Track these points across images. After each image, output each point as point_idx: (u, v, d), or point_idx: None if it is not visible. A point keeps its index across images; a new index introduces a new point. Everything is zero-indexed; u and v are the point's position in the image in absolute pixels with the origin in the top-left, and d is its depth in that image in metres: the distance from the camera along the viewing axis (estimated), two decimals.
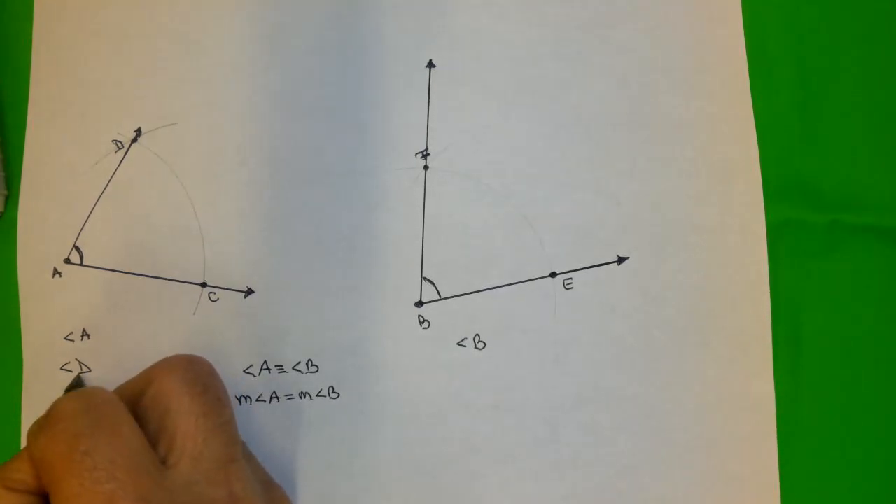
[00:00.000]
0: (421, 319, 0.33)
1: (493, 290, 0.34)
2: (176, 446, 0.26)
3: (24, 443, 0.33)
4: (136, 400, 0.28)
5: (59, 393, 0.33)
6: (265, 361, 0.33)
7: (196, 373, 0.28)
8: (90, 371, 0.33)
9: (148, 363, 0.33)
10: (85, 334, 0.33)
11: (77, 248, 0.34)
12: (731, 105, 0.35)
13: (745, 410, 0.33)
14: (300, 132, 0.34)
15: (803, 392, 0.33)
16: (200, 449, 0.26)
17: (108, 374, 0.33)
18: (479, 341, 0.33)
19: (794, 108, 0.35)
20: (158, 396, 0.27)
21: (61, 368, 0.33)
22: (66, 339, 0.33)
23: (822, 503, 0.33)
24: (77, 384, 0.32)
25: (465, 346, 0.33)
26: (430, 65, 0.35)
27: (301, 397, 0.33)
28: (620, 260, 0.34)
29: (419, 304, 0.34)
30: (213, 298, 0.33)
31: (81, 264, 0.34)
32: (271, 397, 0.33)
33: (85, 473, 0.24)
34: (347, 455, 0.33)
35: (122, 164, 0.34)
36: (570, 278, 0.34)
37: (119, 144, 0.34)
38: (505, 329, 0.33)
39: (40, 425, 0.26)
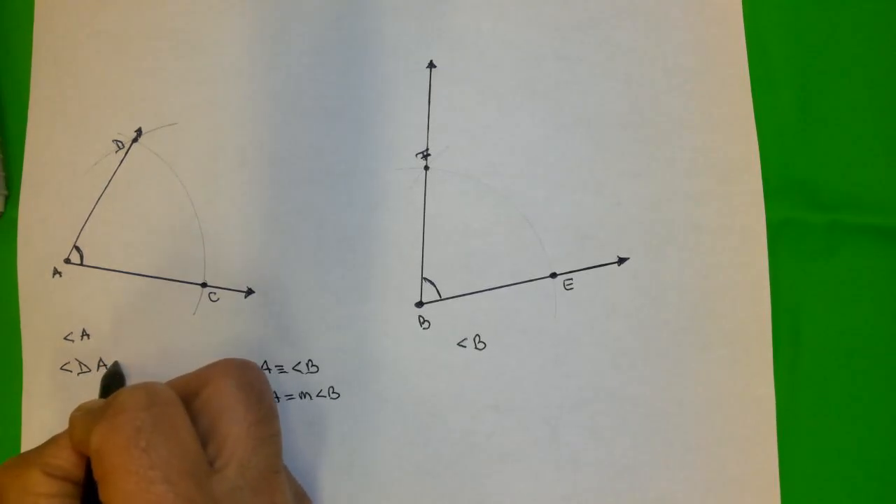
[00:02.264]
0: (421, 320, 0.33)
1: (494, 291, 0.34)
2: (225, 451, 0.26)
3: (25, 444, 0.33)
4: (188, 399, 0.28)
5: (60, 392, 0.33)
6: (265, 361, 0.33)
7: (252, 380, 0.28)
8: (90, 371, 0.33)
9: (148, 363, 0.33)
10: (85, 334, 0.33)
11: (77, 248, 0.34)
12: (732, 105, 0.35)
13: (745, 410, 0.33)
14: (300, 132, 0.34)
15: (803, 392, 0.33)
16: (249, 457, 0.27)
17: None
18: (480, 341, 0.33)
19: (794, 108, 0.35)
20: (213, 399, 0.27)
21: (61, 368, 0.33)
22: (66, 339, 0.33)
23: (822, 503, 0.33)
24: (115, 371, 0.32)
25: (465, 347, 0.33)
26: (431, 65, 0.35)
27: (301, 397, 0.33)
28: (621, 260, 0.34)
29: (419, 304, 0.34)
30: (213, 298, 0.33)
31: (81, 264, 0.34)
32: None
33: (141, 471, 0.24)
34: (347, 455, 0.33)
35: (122, 164, 0.34)
36: (571, 279, 0.34)
37: (119, 144, 0.34)
38: (505, 329, 0.33)
39: (100, 412, 0.26)
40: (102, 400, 0.27)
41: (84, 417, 0.26)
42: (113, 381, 0.32)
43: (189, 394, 0.28)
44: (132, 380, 0.33)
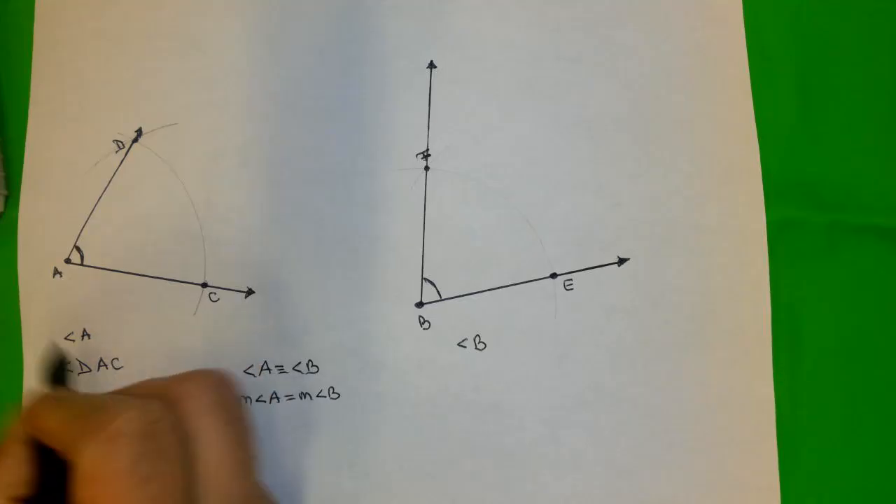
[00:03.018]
0: (421, 320, 0.33)
1: (494, 291, 0.34)
2: (209, 480, 0.25)
3: None
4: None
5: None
6: (265, 362, 0.33)
7: (226, 398, 0.27)
8: (90, 371, 0.33)
9: (148, 363, 0.33)
10: (85, 334, 0.33)
11: (77, 248, 0.34)
12: (732, 105, 0.35)
13: (744, 411, 0.33)
14: (301, 132, 0.34)
15: (803, 393, 0.33)
16: (230, 486, 0.25)
17: (108, 374, 0.33)
18: (480, 342, 0.33)
19: (794, 108, 0.35)
20: (189, 418, 0.25)
21: None
22: (66, 339, 0.33)
23: (822, 503, 0.33)
24: (59, 360, 0.29)
25: (465, 347, 0.33)
26: (431, 65, 0.35)
27: (301, 398, 0.33)
28: (621, 261, 0.34)
29: (420, 304, 0.34)
30: (213, 299, 0.33)
31: (82, 264, 0.34)
32: (271, 398, 0.33)
33: (142, 501, 0.23)
34: (347, 455, 0.33)
35: (122, 164, 0.34)
36: (571, 279, 0.34)
37: (120, 144, 0.34)
38: (505, 330, 0.33)
39: (91, 427, 0.24)
40: (93, 400, 0.26)
41: (69, 420, 0.24)
42: (58, 368, 0.29)
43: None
44: (131, 380, 0.33)
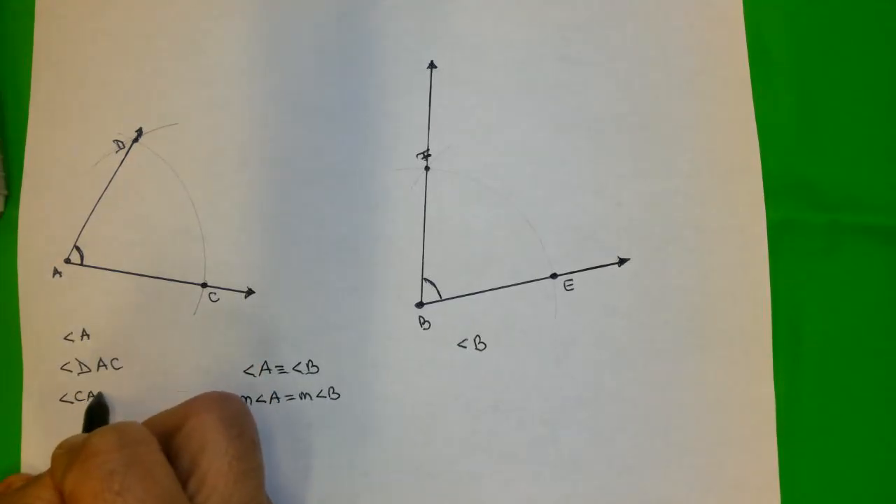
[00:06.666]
0: (422, 320, 0.33)
1: (494, 291, 0.34)
2: (207, 485, 0.27)
3: (25, 450, 0.33)
4: (169, 434, 0.28)
5: (60, 392, 0.33)
6: (265, 362, 0.33)
7: (233, 413, 0.28)
8: (90, 371, 0.33)
9: (148, 363, 0.33)
10: (85, 334, 0.33)
11: (77, 248, 0.34)
12: (732, 105, 0.35)
13: (744, 411, 0.33)
14: (301, 132, 0.34)
15: (803, 393, 0.33)
16: (231, 491, 0.27)
17: (108, 374, 0.33)
18: (480, 342, 0.33)
19: (794, 108, 0.35)
20: (194, 433, 0.27)
21: (61, 368, 0.33)
22: (65, 339, 0.33)
23: (822, 503, 0.33)
24: (99, 403, 0.32)
25: (465, 347, 0.33)
26: (432, 65, 0.35)
27: (301, 398, 0.33)
28: (621, 261, 0.34)
29: (420, 304, 0.34)
30: (213, 299, 0.33)
31: (82, 264, 0.34)
32: (272, 398, 0.33)
33: None
34: (347, 455, 0.33)
35: (123, 164, 0.34)
36: (571, 279, 0.34)
37: (120, 144, 0.34)
38: (506, 330, 0.33)
39: (73, 456, 0.26)
40: (83, 436, 0.27)
41: (62, 458, 0.26)
42: (96, 412, 0.32)
43: (171, 429, 0.28)
44: (130, 380, 0.33)
